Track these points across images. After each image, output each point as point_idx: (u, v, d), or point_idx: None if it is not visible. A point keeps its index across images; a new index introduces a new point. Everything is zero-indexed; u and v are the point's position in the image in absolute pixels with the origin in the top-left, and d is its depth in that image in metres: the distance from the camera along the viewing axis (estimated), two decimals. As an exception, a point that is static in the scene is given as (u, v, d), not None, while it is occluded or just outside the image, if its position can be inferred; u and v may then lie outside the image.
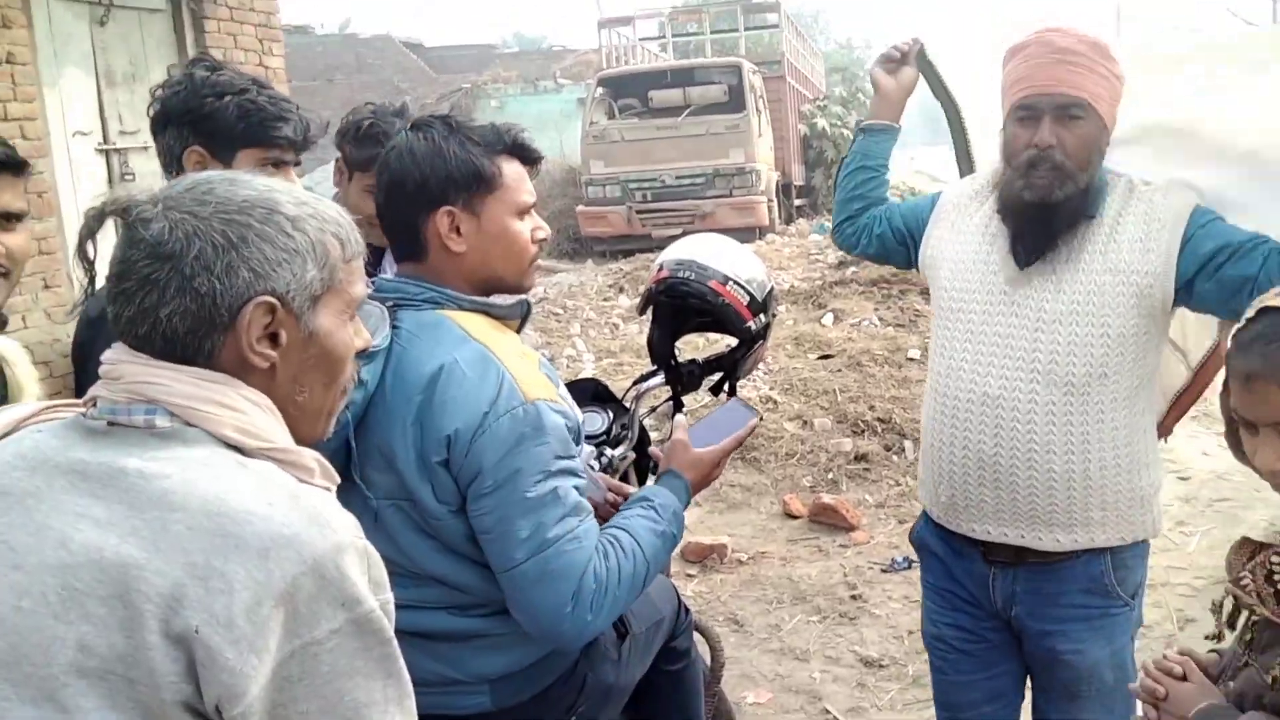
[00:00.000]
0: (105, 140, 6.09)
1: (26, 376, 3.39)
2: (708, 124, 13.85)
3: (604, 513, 2.10)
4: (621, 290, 10.01)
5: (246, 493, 0.97)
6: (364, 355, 1.48)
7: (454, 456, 1.51)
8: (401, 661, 1.03)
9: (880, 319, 7.31)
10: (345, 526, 1.00)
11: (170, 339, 1.03)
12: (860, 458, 5.49)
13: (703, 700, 2.18)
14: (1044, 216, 1.95)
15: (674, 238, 11.34)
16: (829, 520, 4.89)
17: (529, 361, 1.61)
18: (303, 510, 0.98)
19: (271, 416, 1.06)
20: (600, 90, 14.76)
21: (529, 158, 1.72)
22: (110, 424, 1.01)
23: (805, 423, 5.82)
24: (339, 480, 1.12)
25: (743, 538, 4.83)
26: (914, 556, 4.48)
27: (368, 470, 1.56)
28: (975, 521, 2.03)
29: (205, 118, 1.89)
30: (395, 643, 1.02)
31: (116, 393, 1.03)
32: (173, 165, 1.95)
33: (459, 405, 1.50)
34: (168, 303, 1.01)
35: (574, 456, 1.58)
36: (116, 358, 1.05)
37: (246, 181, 1.08)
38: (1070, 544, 1.99)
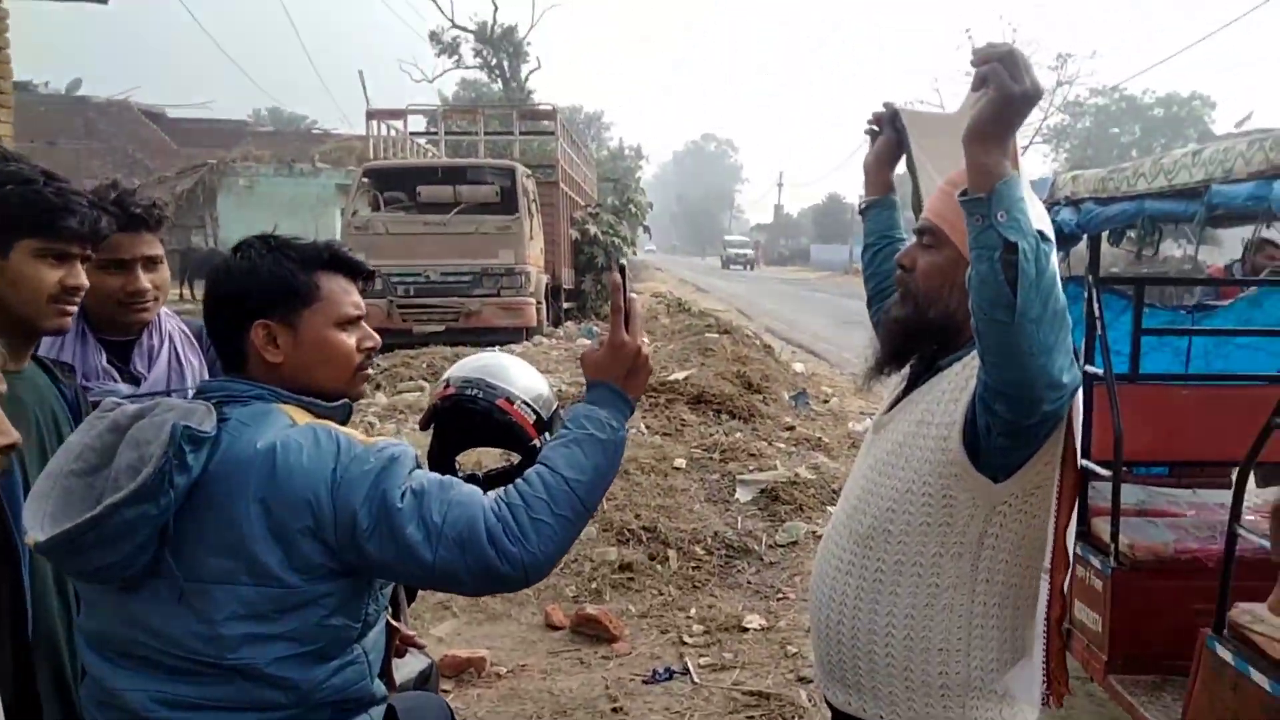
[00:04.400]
0: None
1: None
2: (478, 223, 13.79)
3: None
4: (379, 388, 9.66)
5: None
6: (192, 443, 1.50)
7: (321, 518, 1.56)
8: None
9: (648, 427, 7.37)
10: None
11: None
12: (625, 567, 5.44)
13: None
14: (888, 345, 1.89)
15: (435, 334, 11.12)
16: (591, 631, 4.79)
17: (358, 432, 1.70)
18: None
19: None
20: (365, 180, 14.44)
21: (355, 271, 1.78)
22: None
23: (570, 529, 5.73)
24: None
25: (502, 650, 4.64)
26: (675, 667, 4.48)
27: (197, 554, 1.56)
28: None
29: None
30: None
31: None
32: None
33: (305, 472, 1.56)
34: None
35: (421, 468, 1.68)
36: None
37: None
38: (849, 705, 1.88)
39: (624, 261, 2.12)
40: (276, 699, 1.57)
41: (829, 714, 1.98)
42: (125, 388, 2.31)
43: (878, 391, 2.08)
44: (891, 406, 1.92)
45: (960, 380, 1.75)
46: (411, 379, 9.84)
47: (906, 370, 1.94)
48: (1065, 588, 1.79)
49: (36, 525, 1.50)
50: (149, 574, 1.55)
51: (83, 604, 1.69)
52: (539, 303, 14.40)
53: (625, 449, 1.74)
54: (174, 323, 2.50)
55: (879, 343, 1.95)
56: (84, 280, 1.93)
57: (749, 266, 64.80)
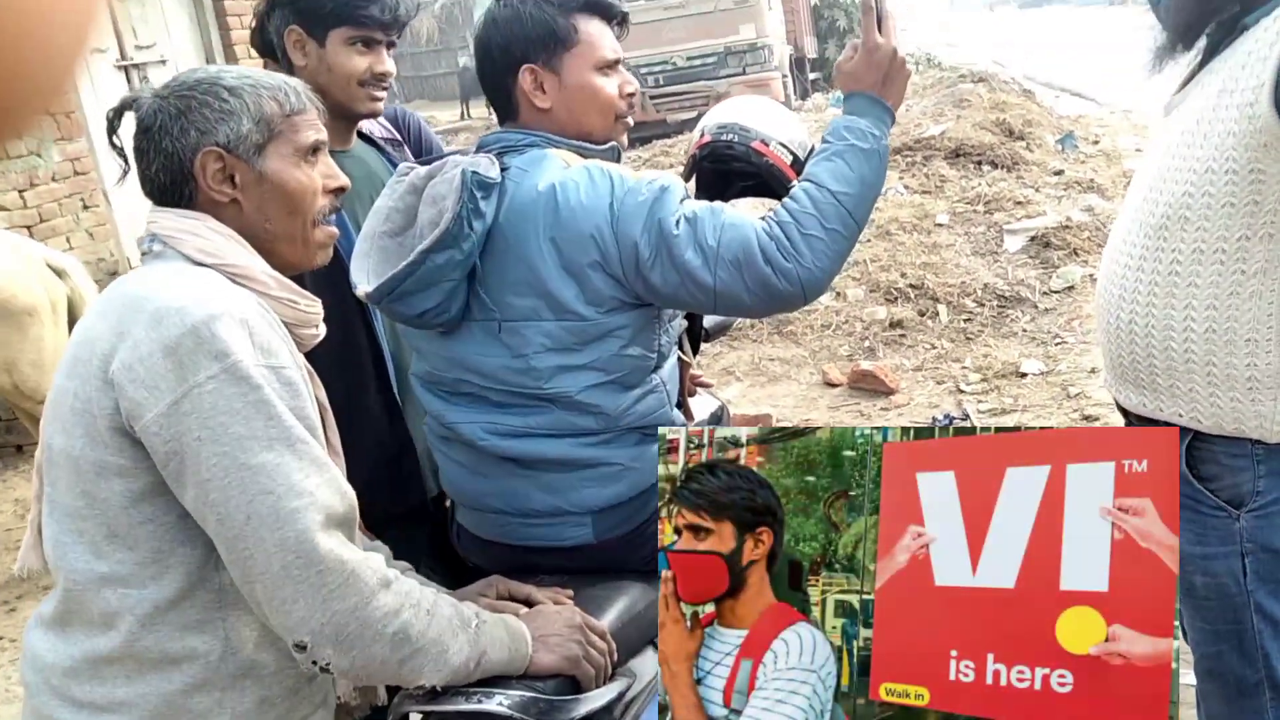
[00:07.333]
0: (122, 56, 6.09)
1: (87, 288, 3.55)
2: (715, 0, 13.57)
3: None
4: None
5: (163, 283, 1.30)
6: (482, 188, 1.62)
7: (606, 251, 1.64)
8: (283, 408, 1.27)
9: (906, 186, 7.28)
10: (226, 303, 1.28)
11: (161, 189, 1.38)
12: (895, 324, 5.57)
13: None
14: (1178, 17, 1.69)
15: (690, 122, 11.11)
16: (868, 386, 5.00)
17: (629, 170, 1.74)
18: (193, 291, 1.28)
19: (232, 241, 1.37)
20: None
21: (609, 14, 1.81)
22: (143, 254, 1.39)
23: (838, 294, 5.88)
24: (306, 294, 1.41)
25: (785, 408, 4.95)
26: (955, 414, 4.64)
27: (503, 295, 1.68)
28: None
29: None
30: (270, 392, 1.27)
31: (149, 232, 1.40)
32: (278, 47, 2.05)
33: (586, 209, 1.63)
34: (152, 162, 1.37)
35: (690, 198, 1.70)
36: (150, 209, 1.42)
37: (208, 69, 1.41)
38: (1143, 407, 1.76)
39: None
40: (589, 424, 1.71)
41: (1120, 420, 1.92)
42: None
43: (1155, 126, 1.95)
44: (1185, 83, 1.72)
45: (1270, 35, 1.51)
46: (671, 166, 10.09)
47: (1201, 44, 1.70)
48: None
49: (363, 278, 1.67)
50: (464, 318, 1.70)
51: (413, 351, 1.87)
52: (784, 76, 14.11)
53: (885, 169, 1.71)
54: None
55: (1165, 20, 1.73)
56: (391, 67, 2.08)
57: None
